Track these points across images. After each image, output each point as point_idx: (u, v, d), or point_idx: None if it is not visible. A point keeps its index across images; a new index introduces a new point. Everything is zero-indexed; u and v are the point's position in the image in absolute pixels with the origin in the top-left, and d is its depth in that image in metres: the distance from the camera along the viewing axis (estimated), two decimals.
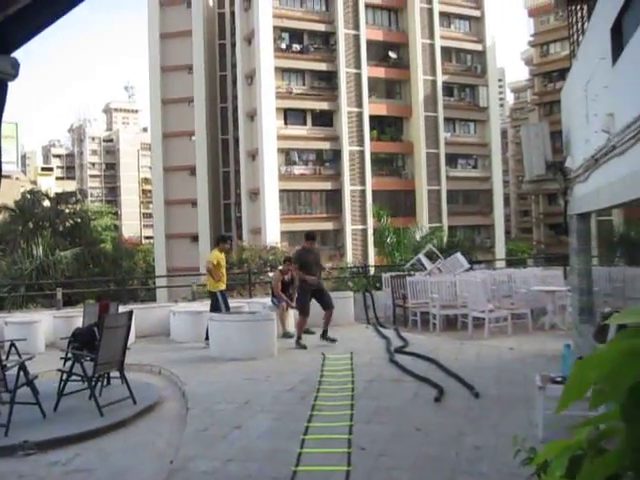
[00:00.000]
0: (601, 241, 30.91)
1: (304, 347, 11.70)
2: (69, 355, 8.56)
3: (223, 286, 12.82)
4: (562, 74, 50.19)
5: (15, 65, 2.05)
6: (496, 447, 5.88)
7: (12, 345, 8.78)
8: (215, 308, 12.55)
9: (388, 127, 50.96)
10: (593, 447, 1.34)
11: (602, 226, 35.75)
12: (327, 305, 12.20)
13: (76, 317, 11.84)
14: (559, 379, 6.23)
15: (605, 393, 1.23)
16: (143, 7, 54.13)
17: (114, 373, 8.46)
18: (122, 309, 10.49)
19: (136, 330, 12.84)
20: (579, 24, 10.48)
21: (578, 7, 10.63)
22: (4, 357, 8.56)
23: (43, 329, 12.91)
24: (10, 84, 2.09)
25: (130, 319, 8.30)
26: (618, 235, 26.33)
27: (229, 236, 14.59)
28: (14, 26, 1.88)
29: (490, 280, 14.91)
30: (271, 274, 19.34)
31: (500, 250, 51.57)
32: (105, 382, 8.64)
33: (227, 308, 12.66)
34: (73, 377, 7.96)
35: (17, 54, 1.97)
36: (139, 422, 7.47)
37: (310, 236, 12.90)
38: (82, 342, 8.67)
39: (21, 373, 7.36)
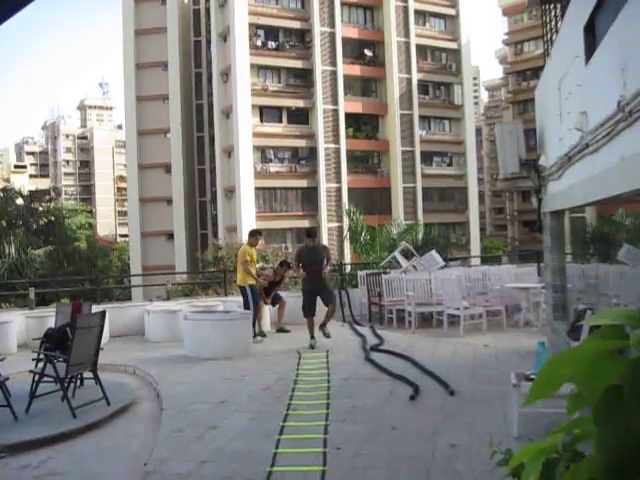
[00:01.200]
0: (574, 238, 31.23)
1: (312, 347, 11.38)
2: (41, 356, 8.44)
3: (252, 281, 12.74)
4: (536, 72, 50.69)
5: None
6: (471, 445, 5.90)
7: None
8: (246, 303, 12.55)
9: (364, 125, 51.05)
10: (568, 451, 1.33)
11: (575, 223, 36.12)
12: (327, 301, 11.76)
13: (49, 317, 11.68)
14: (534, 377, 6.25)
15: (582, 398, 1.22)
16: (117, 3, 53.67)
17: (87, 374, 8.35)
18: (96, 308, 10.37)
19: (110, 330, 12.75)
20: (552, 23, 10.54)
21: (551, 6, 10.69)
22: None
23: (15, 329, 12.72)
24: None
25: (103, 319, 8.20)
26: (591, 232, 26.63)
27: (259, 231, 14.21)
28: None
29: (465, 277, 15.00)
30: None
31: (475, 247, 51.91)
32: (78, 383, 8.53)
33: (255, 303, 12.61)
34: (45, 378, 7.84)
35: None
36: (113, 423, 7.39)
37: (310, 233, 12.29)
38: (54, 343, 8.55)
39: None
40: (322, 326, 11.62)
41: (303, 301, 11.83)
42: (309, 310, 11.70)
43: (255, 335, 12.38)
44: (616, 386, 1.16)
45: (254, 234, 13.37)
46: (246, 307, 12.48)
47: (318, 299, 11.80)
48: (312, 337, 11.54)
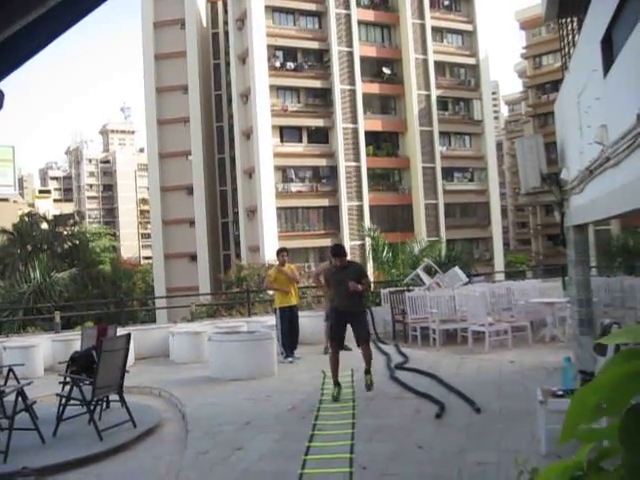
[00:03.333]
0: (600, 251, 30.96)
1: (336, 399, 8.78)
2: (67, 379, 8.51)
3: (286, 303, 12.65)
4: (555, 85, 50.48)
5: (0, 97, 2.05)
6: (499, 463, 5.83)
7: (10, 370, 8.73)
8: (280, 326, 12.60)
9: (384, 142, 51.11)
10: (593, 468, 1.33)
11: (600, 236, 35.80)
12: (360, 336, 9.24)
13: (74, 340, 11.79)
14: (560, 393, 6.20)
15: (603, 409, 1.22)
16: (137, 28, 54.32)
17: (113, 396, 8.40)
18: (121, 331, 10.44)
19: (135, 352, 12.81)
20: (570, 37, 10.53)
21: (568, 20, 10.69)
22: (2, 383, 8.52)
23: (41, 353, 12.85)
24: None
25: (128, 342, 8.26)
26: (616, 245, 26.37)
27: (281, 248, 14.02)
28: None
29: (489, 293, 14.87)
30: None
31: (499, 262, 51.55)
32: (104, 406, 8.58)
33: (283, 327, 12.51)
34: (72, 401, 7.90)
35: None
36: (139, 446, 7.41)
37: (335, 251, 9.60)
38: (80, 366, 8.63)
39: (19, 398, 7.32)
40: (366, 372, 9.32)
41: (330, 326, 9.65)
42: (336, 338, 9.26)
43: (287, 356, 12.37)
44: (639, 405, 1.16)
45: (277, 253, 13.45)
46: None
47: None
48: (336, 383, 9.09)
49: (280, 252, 13.34)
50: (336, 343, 9.24)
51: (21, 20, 1.67)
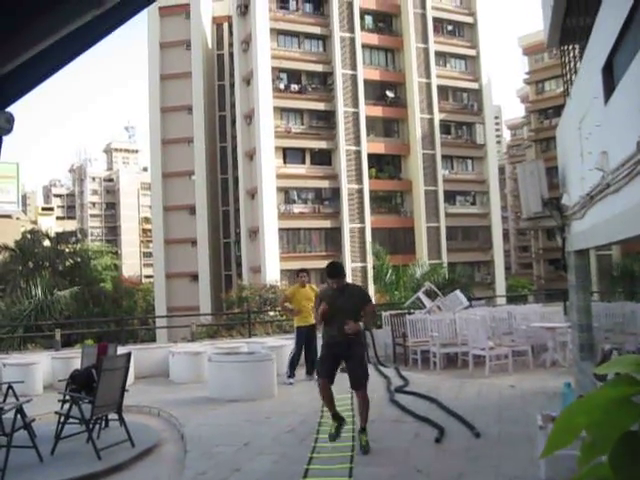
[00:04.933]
0: (601, 276, 30.96)
1: (335, 436, 7.50)
2: (67, 397, 8.50)
3: (304, 322, 12.42)
4: (557, 111, 50.71)
5: (10, 120, 2.09)
6: None
7: (10, 387, 8.73)
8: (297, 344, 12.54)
9: (386, 165, 51.25)
10: None
11: (602, 261, 35.80)
12: (356, 376, 7.44)
13: (74, 358, 11.78)
14: None
15: (596, 448, 1.23)
16: (144, 49, 54.73)
17: (112, 415, 8.39)
18: (121, 350, 10.44)
19: (135, 371, 12.79)
20: (572, 63, 10.63)
21: (570, 47, 10.79)
22: (1, 400, 8.52)
23: (41, 371, 12.84)
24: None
25: (128, 361, 8.26)
26: (617, 270, 26.39)
27: (300, 269, 13.82)
28: (9, 82, 1.93)
29: (490, 317, 14.89)
30: (272, 313, 19.14)
31: (500, 286, 51.48)
32: (103, 424, 8.56)
33: (298, 346, 12.46)
34: (71, 420, 7.89)
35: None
36: (137, 465, 7.39)
37: (331, 271, 7.61)
38: (80, 384, 8.62)
39: (18, 416, 7.32)
40: (361, 431, 7.44)
41: (320, 356, 7.96)
42: (325, 370, 7.50)
43: (289, 375, 12.33)
44: (631, 432, 1.18)
45: (297, 274, 13.39)
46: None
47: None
48: (335, 417, 7.60)
49: (299, 273, 13.24)
50: (325, 378, 7.46)
51: (33, 48, 1.72)
